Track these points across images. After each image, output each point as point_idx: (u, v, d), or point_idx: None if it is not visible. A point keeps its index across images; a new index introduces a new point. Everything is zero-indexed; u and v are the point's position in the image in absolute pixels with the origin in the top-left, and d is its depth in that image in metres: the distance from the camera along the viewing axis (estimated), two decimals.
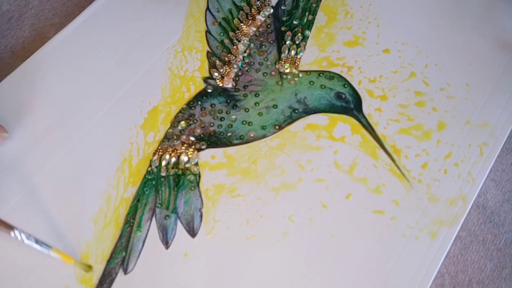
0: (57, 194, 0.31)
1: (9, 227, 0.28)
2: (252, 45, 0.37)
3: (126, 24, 0.37)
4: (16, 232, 0.27)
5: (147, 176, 0.32)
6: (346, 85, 0.35)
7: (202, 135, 0.33)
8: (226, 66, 0.36)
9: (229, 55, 0.36)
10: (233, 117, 0.34)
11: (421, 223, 0.30)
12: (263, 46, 0.37)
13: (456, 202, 0.31)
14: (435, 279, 0.30)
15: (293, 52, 0.36)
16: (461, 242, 0.32)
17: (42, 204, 0.31)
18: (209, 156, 0.33)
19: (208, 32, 0.37)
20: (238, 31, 0.37)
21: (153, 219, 0.31)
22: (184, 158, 0.32)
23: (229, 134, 0.33)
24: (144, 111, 0.34)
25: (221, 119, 0.34)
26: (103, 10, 0.37)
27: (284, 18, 0.38)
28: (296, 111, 0.34)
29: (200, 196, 0.31)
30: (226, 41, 0.37)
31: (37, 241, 0.28)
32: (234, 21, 0.38)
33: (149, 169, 0.32)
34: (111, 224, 0.30)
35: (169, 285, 0.29)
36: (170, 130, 0.34)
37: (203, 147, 0.33)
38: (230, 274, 0.29)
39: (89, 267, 0.29)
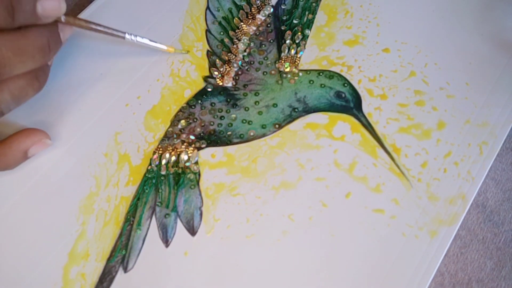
0: (58, 193, 0.31)
1: (122, 34, 0.32)
2: (252, 44, 0.37)
3: (126, 23, 0.37)
4: (128, 36, 0.33)
5: (147, 175, 0.32)
6: (345, 84, 0.35)
7: (202, 134, 0.34)
8: (226, 65, 0.36)
9: (229, 54, 0.36)
10: (233, 116, 0.34)
11: (421, 221, 0.31)
12: (263, 45, 0.37)
13: (455, 201, 0.31)
14: (434, 277, 0.30)
15: (293, 51, 0.36)
16: (461, 241, 0.32)
17: (42, 202, 0.31)
18: (209, 155, 0.33)
19: (208, 31, 0.37)
20: (238, 30, 0.37)
21: (153, 217, 0.31)
22: (184, 156, 0.33)
23: (229, 133, 0.34)
24: (144, 110, 0.34)
25: (221, 118, 0.34)
26: (103, 9, 0.37)
27: (284, 17, 0.38)
28: (296, 110, 0.34)
29: (200, 194, 0.31)
30: (226, 40, 0.37)
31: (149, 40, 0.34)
32: (234, 20, 0.38)
33: (149, 167, 0.32)
34: (111, 223, 0.31)
35: (169, 284, 0.29)
36: (170, 128, 0.34)
37: (203, 145, 0.33)
38: (230, 273, 0.29)
39: (187, 51, 0.36)
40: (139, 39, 0.33)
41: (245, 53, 0.36)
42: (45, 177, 0.32)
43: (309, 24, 0.37)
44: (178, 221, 0.31)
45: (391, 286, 0.29)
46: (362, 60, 0.36)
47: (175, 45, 0.36)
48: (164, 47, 0.35)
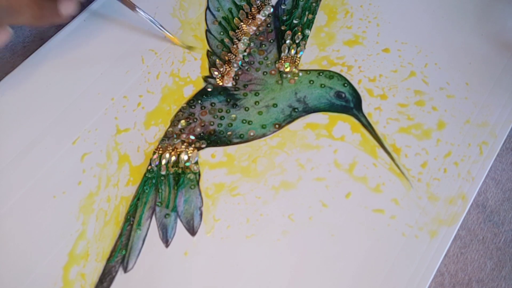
0: (58, 193, 0.31)
1: (132, 5, 0.34)
2: (252, 44, 0.37)
3: (126, 23, 0.37)
4: (139, 10, 0.34)
5: (147, 175, 0.32)
6: (345, 84, 0.35)
7: (202, 134, 0.34)
8: (226, 65, 0.36)
9: (229, 54, 0.36)
10: (233, 116, 0.34)
11: (421, 222, 0.30)
12: (263, 45, 0.37)
13: (455, 201, 0.31)
14: (434, 277, 0.30)
15: (293, 51, 0.36)
16: (461, 241, 0.32)
17: (42, 202, 0.31)
18: (209, 155, 0.33)
19: (208, 31, 0.37)
20: (238, 30, 0.37)
21: (153, 217, 0.31)
22: (184, 156, 0.33)
23: (229, 133, 0.34)
24: (145, 110, 0.34)
25: (221, 118, 0.34)
26: (103, 9, 0.37)
27: (284, 17, 0.38)
28: (296, 110, 0.34)
29: (200, 194, 0.31)
30: (226, 40, 0.37)
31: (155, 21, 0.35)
32: (234, 20, 0.38)
33: (149, 167, 0.32)
34: (111, 223, 0.31)
35: (169, 284, 0.29)
36: (170, 129, 0.34)
37: (203, 146, 0.33)
38: (230, 273, 0.29)
39: (191, 47, 0.36)
40: (147, 16, 0.35)
41: (245, 53, 0.36)
42: (45, 177, 0.32)
43: (309, 24, 0.37)
44: (178, 221, 0.31)
45: (391, 286, 0.29)
46: (362, 60, 0.36)
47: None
48: (169, 33, 0.36)
